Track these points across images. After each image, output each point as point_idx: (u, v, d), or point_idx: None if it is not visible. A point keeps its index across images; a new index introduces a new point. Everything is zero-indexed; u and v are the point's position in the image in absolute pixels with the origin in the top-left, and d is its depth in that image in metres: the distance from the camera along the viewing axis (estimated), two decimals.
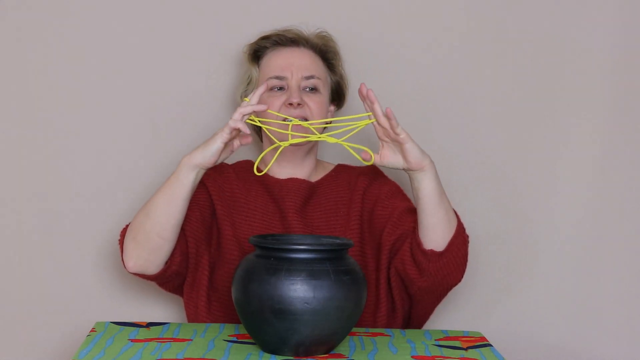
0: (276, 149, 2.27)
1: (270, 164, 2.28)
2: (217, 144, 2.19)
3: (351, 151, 2.22)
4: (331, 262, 1.99)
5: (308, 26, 2.46)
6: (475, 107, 2.65)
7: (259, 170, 2.36)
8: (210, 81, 2.62)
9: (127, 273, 2.58)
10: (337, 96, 2.45)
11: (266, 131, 2.28)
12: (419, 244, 2.24)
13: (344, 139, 2.19)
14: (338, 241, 2.10)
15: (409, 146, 2.16)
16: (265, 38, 2.43)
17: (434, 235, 2.22)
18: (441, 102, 2.65)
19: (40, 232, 2.61)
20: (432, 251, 2.22)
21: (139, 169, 2.62)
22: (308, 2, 2.63)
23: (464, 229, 2.25)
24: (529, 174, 2.67)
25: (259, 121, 2.23)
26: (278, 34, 2.41)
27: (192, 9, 2.61)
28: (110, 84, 2.61)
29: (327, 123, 2.37)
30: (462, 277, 2.27)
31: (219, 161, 2.22)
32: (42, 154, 2.61)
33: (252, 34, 2.50)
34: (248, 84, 2.44)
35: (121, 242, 2.30)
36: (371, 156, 2.19)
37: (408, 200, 2.38)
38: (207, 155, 2.20)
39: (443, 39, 2.64)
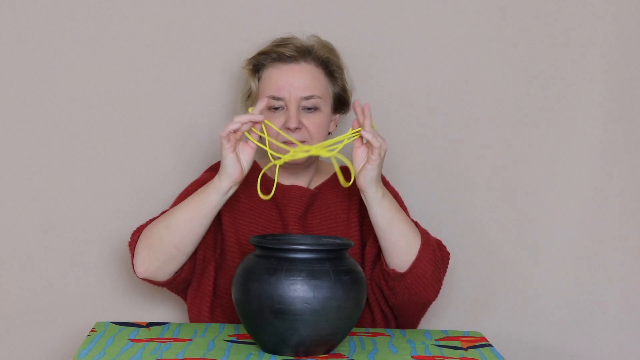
0: (274, 164, 2.23)
1: (273, 190, 2.24)
2: (228, 157, 2.16)
3: (336, 168, 2.21)
4: (331, 262, 1.99)
5: (306, 32, 2.40)
6: (475, 107, 2.65)
7: (267, 188, 2.33)
8: (211, 85, 2.61)
9: (128, 273, 2.59)
10: (340, 105, 2.39)
11: (266, 147, 2.21)
12: (381, 263, 2.26)
13: (335, 152, 2.16)
14: (338, 241, 2.10)
15: (369, 166, 2.16)
16: (264, 53, 2.35)
17: (390, 257, 2.23)
18: (441, 103, 2.65)
19: (40, 232, 2.61)
20: (393, 271, 2.23)
21: (140, 169, 2.62)
22: (306, 5, 2.62)
23: (431, 251, 2.22)
24: (529, 174, 2.67)
25: (262, 134, 2.18)
26: (277, 51, 2.33)
27: (193, 15, 2.61)
28: (111, 87, 2.61)
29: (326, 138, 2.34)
30: (436, 295, 2.26)
31: (248, 166, 2.18)
32: (43, 154, 2.61)
33: (252, 39, 2.50)
34: (248, 96, 2.38)
35: (132, 245, 2.28)
36: (351, 177, 2.20)
37: (403, 209, 2.35)
38: (229, 172, 2.17)
39: (442, 40, 2.64)
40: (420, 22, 2.64)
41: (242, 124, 2.15)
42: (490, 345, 2.16)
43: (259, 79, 2.35)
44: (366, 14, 2.63)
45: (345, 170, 2.30)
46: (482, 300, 2.67)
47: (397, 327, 2.38)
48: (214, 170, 2.37)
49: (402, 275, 2.22)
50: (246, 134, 2.17)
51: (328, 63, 2.35)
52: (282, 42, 2.36)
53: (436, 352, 2.09)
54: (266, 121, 2.20)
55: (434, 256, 2.23)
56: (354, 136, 2.17)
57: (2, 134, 2.60)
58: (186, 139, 2.62)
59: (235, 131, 2.15)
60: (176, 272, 2.28)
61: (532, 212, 2.67)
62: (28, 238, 2.62)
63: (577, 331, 2.69)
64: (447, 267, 2.30)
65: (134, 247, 2.28)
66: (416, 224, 2.29)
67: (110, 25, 2.60)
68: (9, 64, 2.59)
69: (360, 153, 2.17)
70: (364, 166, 2.16)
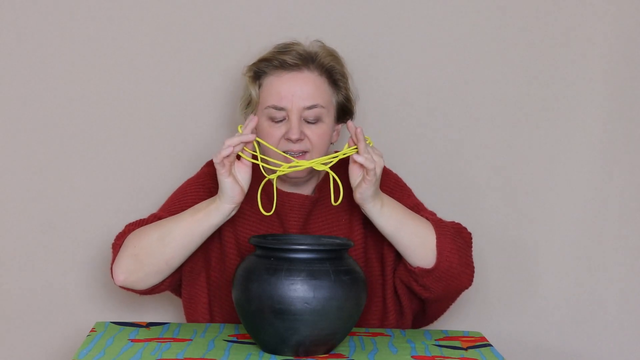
0: (271, 178, 2.21)
1: (274, 207, 2.22)
2: (225, 181, 2.11)
3: (331, 184, 2.20)
4: (331, 262, 1.99)
5: (306, 33, 2.36)
6: (475, 107, 2.65)
7: (270, 196, 2.28)
8: (211, 85, 2.61)
9: None
10: (343, 115, 2.33)
11: (261, 166, 2.19)
12: (405, 263, 2.24)
13: (329, 166, 2.16)
14: (338, 241, 2.10)
15: (365, 185, 2.13)
16: (265, 60, 2.27)
17: (410, 258, 2.21)
18: (441, 103, 2.65)
19: (40, 232, 2.61)
20: (419, 269, 2.21)
21: (139, 169, 2.62)
22: (306, 6, 2.62)
23: (450, 239, 2.20)
24: (529, 174, 2.67)
25: (254, 153, 2.15)
26: (279, 58, 2.25)
27: (193, 15, 2.61)
28: (111, 87, 2.61)
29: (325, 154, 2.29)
30: (471, 280, 2.24)
31: (246, 184, 2.14)
32: (43, 154, 2.61)
33: (252, 39, 2.50)
34: (248, 104, 2.30)
35: (116, 248, 2.23)
36: (339, 195, 2.19)
37: (408, 196, 2.35)
38: (229, 195, 2.13)
39: (442, 40, 2.64)
40: (420, 22, 2.64)
41: (234, 147, 2.10)
42: (490, 345, 2.16)
43: (259, 86, 2.28)
44: (366, 14, 2.63)
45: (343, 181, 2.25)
46: (482, 300, 2.67)
47: (419, 316, 2.38)
48: (212, 165, 2.33)
49: (429, 271, 2.20)
50: (239, 153, 2.13)
51: (332, 72, 2.28)
52: (285, 49, 2.28)
53: (436, 352, 2.09)
54: (258, 139, 2.16)
55: (454, 244, 2.21)
56: (349, 152, 2.14)
57: (2, 134, 2.61)
58: (186, 139, 2.62)
59: (228, 156, 2.10)
60: (156, 284, 2.23)
61: (532, 212, 2.67)
62: (28, 238, 2.62)
63: (577, 331, 2.69)
64: (471, 248, 2.26)
65: (118, 250, 2.22)
66: (430, 215, 2.26)
67: (110, 25, 2.60)
68: (9, 64, 2.59)
69: (356, 169, 2.15)
70: (359, 184, 2.14)
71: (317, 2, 2.62)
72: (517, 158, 2.67)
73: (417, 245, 2.20)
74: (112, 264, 2.22)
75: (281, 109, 2.23)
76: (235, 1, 2.61)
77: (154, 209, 2.49)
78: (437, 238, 2.20)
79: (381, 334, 2.23)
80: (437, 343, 2.16)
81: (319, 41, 2.32)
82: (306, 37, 2.34)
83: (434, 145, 2.66)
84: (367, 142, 2.14)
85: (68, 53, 2.60)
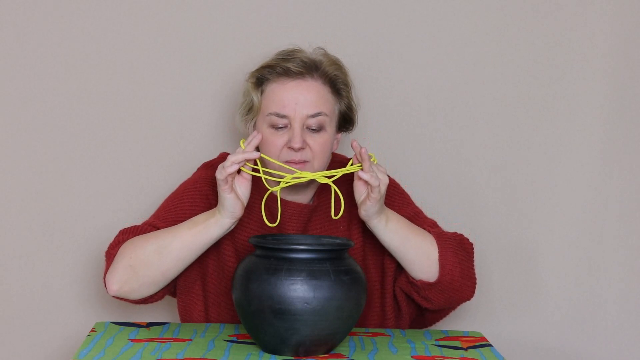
0: (274, 190, 2.21)
1: (278, 219, 2.22)
2: (227, 197, 2.11)
3: (332, 198, 2.20)
4: (331, 262, 1.99)
5: (308, 38, 2.36)
6: (475, 107, 2.65)
7: (269, 205, 2.27)
8: (212, 85, 2.61)
9: None
10: (345, 124, 2.31)
11: (264, 178, 2.18)
12: (407, 275, 2.24)
13: (331, 180, 2.16)
14: (338, 241, 2.10)
15: (369, 203, 2.13)
16: (269, 67, 2.24)
17: (413, 272, 2.22)
18: (441, 103, 2.65)
19: (41, 232, 2.61)
20: (422, 282, 2.22)
21: (139, 169, 2.62)
22: (306, 6, 2.62)
23: (452, 252, 2.20)
24: (529, 174, 2.67)
25: (255, 167, 2.15)
26: (283, 65, 2.22)
27: (194, 16, 2.61)
28: (111, 88, 2.60)
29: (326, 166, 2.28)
30: (473, 292, 2.25)
31: (246, 198, 2.14)
32: (43, 154, 2.61)
33: (253, 39, 2.50)
34: (249, 110, 2.28)
35: (109, 258, 2.20)
36: (340, 209, 2.20)
37: (407, 203, 2.35)
38: (229, 210, 2.12)
39: (442, 40, 2.64)
40: (420, 22, 2.64)
41: (238, 163, 2.10)
42: (490, 345, 2.16)
43: (261, 93, 2.25)
44: (366, 14, 2.63)
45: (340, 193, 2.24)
46: (482, 300, 2.67)
47: (417, 322, 2.38)
48: (209, 167, 2.33)
49: (431, 284, 2.21)
50: (241, 167, 2.13)
51: (336, 80, 2.25)
52: (288, 56, 2.25)
53: (436, 352, 2.09)
54: (262, 155, 2.17)
55: (456, 257, 2.21)
56: (353, 169, 2.14)
57: (2, 134, 2.60)
58: (186, 140, 2.62)
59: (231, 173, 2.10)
60: (150, 295, 2.22)
61: (532, 212, 2.67)
62: (28, 238, 2.62)
63: (577, 331, 2.69)
64: (473, 259, 2.27)
65: (112, 260, 2.19)
66: (431, 226, 2.26)
67: (110, 26, 2.60)
68: (9, 64, 2.59)
69: (361, 186, 2.15)
70: (364, 201, 2.14)
71: (318, 3, 2.62)
72: (517, 158, 2.67)
73: (420, 259, 2.20)
74: (105, 273, 2.21)
75: (283, 116, 2.21)
76: (235, 3, 2.61)
77: (153, 209, 2.49)
78: (440, 252, 2.20)
79: (381, 334, 2.23)
80: (437, 343, 2.16)
81: (322, 49, 2.30)
82: (307, 38, 2.35)
83: (434, 145, 2.66)
84: (371, 159, 2.14)
85: (68, 53, 2.60)
